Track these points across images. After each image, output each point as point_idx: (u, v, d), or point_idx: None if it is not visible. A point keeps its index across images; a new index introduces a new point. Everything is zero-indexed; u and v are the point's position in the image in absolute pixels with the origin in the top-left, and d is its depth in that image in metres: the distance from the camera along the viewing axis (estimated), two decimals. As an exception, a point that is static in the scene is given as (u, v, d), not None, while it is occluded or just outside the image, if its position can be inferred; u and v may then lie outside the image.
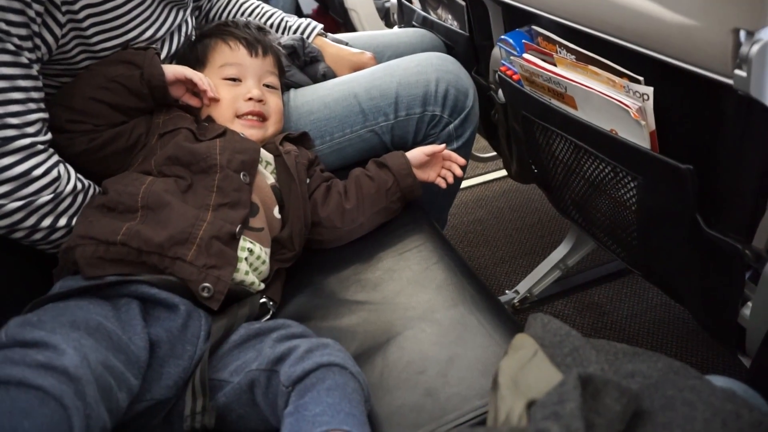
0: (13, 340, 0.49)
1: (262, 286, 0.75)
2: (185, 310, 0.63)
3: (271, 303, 0.74)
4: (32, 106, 0.69)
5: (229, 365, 0.62)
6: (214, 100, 0.85)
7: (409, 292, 0.77)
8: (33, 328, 0.51)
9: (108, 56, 0.79)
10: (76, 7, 0.72)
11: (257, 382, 0.59)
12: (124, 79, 0.77)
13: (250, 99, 0.86)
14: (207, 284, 0.66)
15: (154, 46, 0.84)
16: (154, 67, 0.78)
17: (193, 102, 0.85)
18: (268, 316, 0.73)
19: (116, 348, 0.55)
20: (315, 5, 2.71)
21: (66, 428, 0.45)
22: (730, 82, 0.54)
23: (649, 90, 0.64)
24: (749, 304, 0.68)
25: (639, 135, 0.68)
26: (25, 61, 0.68)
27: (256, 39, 0.91)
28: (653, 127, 0.66)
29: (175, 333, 0.62)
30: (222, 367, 0.62)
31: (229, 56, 0.88)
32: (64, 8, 0.71)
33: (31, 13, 0.67)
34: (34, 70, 0.70)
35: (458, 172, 0.93)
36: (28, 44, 0.68)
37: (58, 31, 0.72)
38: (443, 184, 0.94)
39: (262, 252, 0.75)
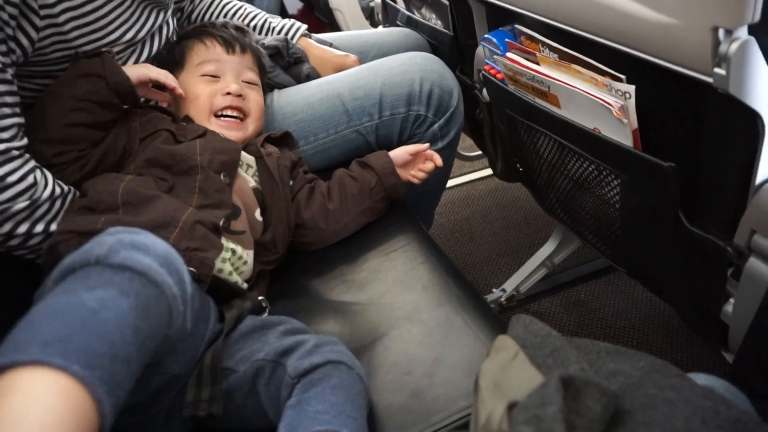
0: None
1: (246, 286, 0.74)
2: (195, 290, 0.63)
3: (266, 302, 0.74)
4: (6, 111, 0.67)
5: (235, 354, 0.62)
6: (181, 96, 0.84)
7: (395, 292, 0.77)
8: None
9: (63, 73, 0.76)
10: (56, 10, 0.71)
11: (262, 372, 0.59)
12: (92, 95, 0.74)
13: (228, 94, 0.85)
14: (191, 268, 0.65)
15: (132, 48, 0.83)
16: (118, 74, 0.76)
17: (159, 96, 0.85)
18: (266, 314, 0.73)
19: None
20: (300, 5, 2.70)
21: (166, 328, 0.49)
22: (709, 80, 0.54)
23: (631, 88, 0.64)
24: (731, 300, 0.68)
25: (622, 133, 0.68)
26: None
27: (233, 37, 0.90)
28: (635, 125, 0.67)
29: (193, 310, 0.61)
30: (228, 356, 0.62)
31: (206, 54, 0.88)
32: (42, 12, 0.70)
33: (5, 17, 0.65)
34: (8, 74, 0.68)
35: (430, 167, 0.92)
36: (2, 48, 0.66)
37: (34, 35, 0.70)
38: (416, 181, 0.93)
39: (244, 253, 0.74)
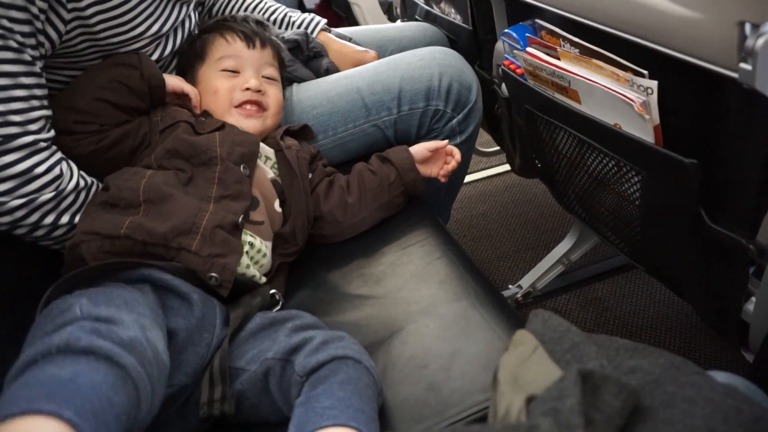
0: (89, 314, 0.51)
1: (264, 279, 0.75)
2: (199, 299, 0.64)
3: (279, 294, 0.74)
4: (35, 103, 0.69)
5: (246, 354, 0.63)
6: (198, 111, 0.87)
7: (412, 286, 0.77)
8: (105, 306, 0.52)
9: (113, 51, 0.80)
10: (83, 4, 0.72)
11: (272, 371, 0.59)
12: (125, 78, 0.78)
13: (248, 89, 0.86)
14: (213, 274, 0.66)
15: (156, 42, 0.85)
16: (153, 68, 0.81)
17: (181, 102, 0.87)
18: (278, 308, 0.73)
19: (159, 327, 0.57)
20: (318, -1, 2.71)
21: (136, 410, 0.47)
22: (734, 75, 0.53)
23: (654, 84, 0.63)
24: (753, 299, 0.67)
25: (643, 129, 0.67)
26: (28, 58, 0.68)
27: (253, 32, 0.91)
28: (657, 121, 0.66)
29: (193, 321, 0.62)
30: (238, 356, 0.63)
31: (227, 49, 0.89)
32: (70, 5, 0.71)
33: (35, 10, 0.67)
34: (37, 67, 0.70)
35: (452, 166, 0.93)
36: (31, 41, 0.68)
37: (61, 28, 0.72)
38: (442, 179, 0.94)
39: (262, 245, 0.75)
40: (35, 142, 0.68)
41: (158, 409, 0.54)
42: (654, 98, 0.64)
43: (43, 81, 0.71)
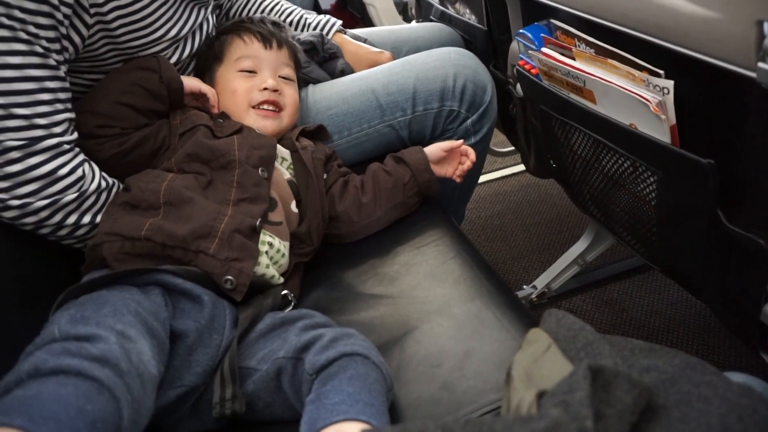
0: (66, 335, 0.52)
1: (282, 279, 0.76)
2: (210, 301, 0.65)
3: (292, 295, 0.75)
4: (59, 106, 0.71)
5: (257, 353, 0.63)
6: (217, 113, 0.88)
7: (426, 286, 0.78)
8: (82, 324, 0.53)
9: (133, 54, 0.81)
10: (105, 9, 0.74)
11: (284, 370, 0.60)
12: (144, 81, 0.79)
13: (265, 89, 0.87)
14: (230, 277, 0.67)
15: (175, 45, 0.86)
16: (172, 71, 0.82)
17: (196, 104, 0.88)
18: (290, 308, 0.74)
19: (151, 335, 0.57)
20: (333, 0, 2.72)
21: (117, 417, 0.47)
22: (753, 75, 0.53)
23: (670, 84, 0.63)
24: (771, 301, 0.67)
25: (659, 129, 0.67)
26: (53, 62, 0.69)
27: (270, 32, 0.92)
28: (674, 121, 0.66)
29: (203, 323, 0.63)
30: (250, 356, 0.64)
31: (244, 49, 0.90)
32: (92, 10, 0.73)
33: (59, 16, 0.68)
34: (62, 71, 0.71)
35: (467, 166, 0.94)
36: (56, 46, 0.69)
37: (85, 32, 0.73)
38: (458, 180, 0.94)
39: (281, 245, 0.76)
40: (59, 145, 0.70)
41: (154, 413, 0.54)
42: (670, 98, 0.64)
43: (67, 84, 0.72)
